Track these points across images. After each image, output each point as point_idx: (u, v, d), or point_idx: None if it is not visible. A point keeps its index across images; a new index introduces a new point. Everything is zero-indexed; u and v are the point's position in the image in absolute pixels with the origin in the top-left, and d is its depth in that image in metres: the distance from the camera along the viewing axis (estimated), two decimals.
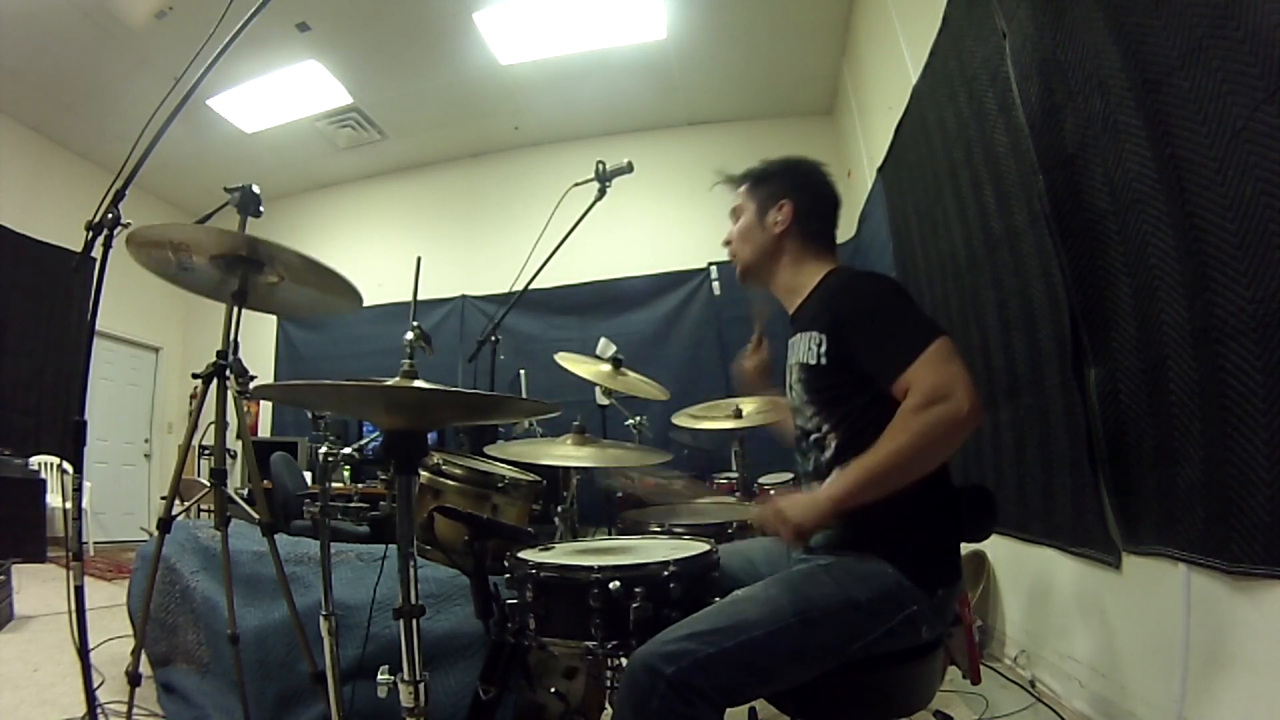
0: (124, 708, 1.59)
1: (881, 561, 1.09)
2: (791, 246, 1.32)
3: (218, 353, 1.58)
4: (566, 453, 1.65)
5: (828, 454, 1.18)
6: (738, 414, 2.42)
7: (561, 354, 2.21)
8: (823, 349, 1.16)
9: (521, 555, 1.17)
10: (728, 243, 1.40)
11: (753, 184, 1.37)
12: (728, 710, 0.97)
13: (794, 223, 1.31)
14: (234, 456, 3.19)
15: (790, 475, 2.85)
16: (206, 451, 3.28)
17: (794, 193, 1.32)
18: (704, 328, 5.43)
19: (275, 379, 6.03)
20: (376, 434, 3.58)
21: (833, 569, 1.10)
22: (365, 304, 1.60)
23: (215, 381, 1.58)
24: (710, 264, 5.21)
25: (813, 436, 1.22)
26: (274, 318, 6.28)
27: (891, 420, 1.02)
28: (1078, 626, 2.05)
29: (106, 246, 1.43)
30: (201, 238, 1.42)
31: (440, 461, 1.85)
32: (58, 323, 5.43)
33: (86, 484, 4.64)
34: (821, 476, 1.19)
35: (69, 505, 3.60)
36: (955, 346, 1.05)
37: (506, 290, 3.38)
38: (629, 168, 2.33)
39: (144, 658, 1.70)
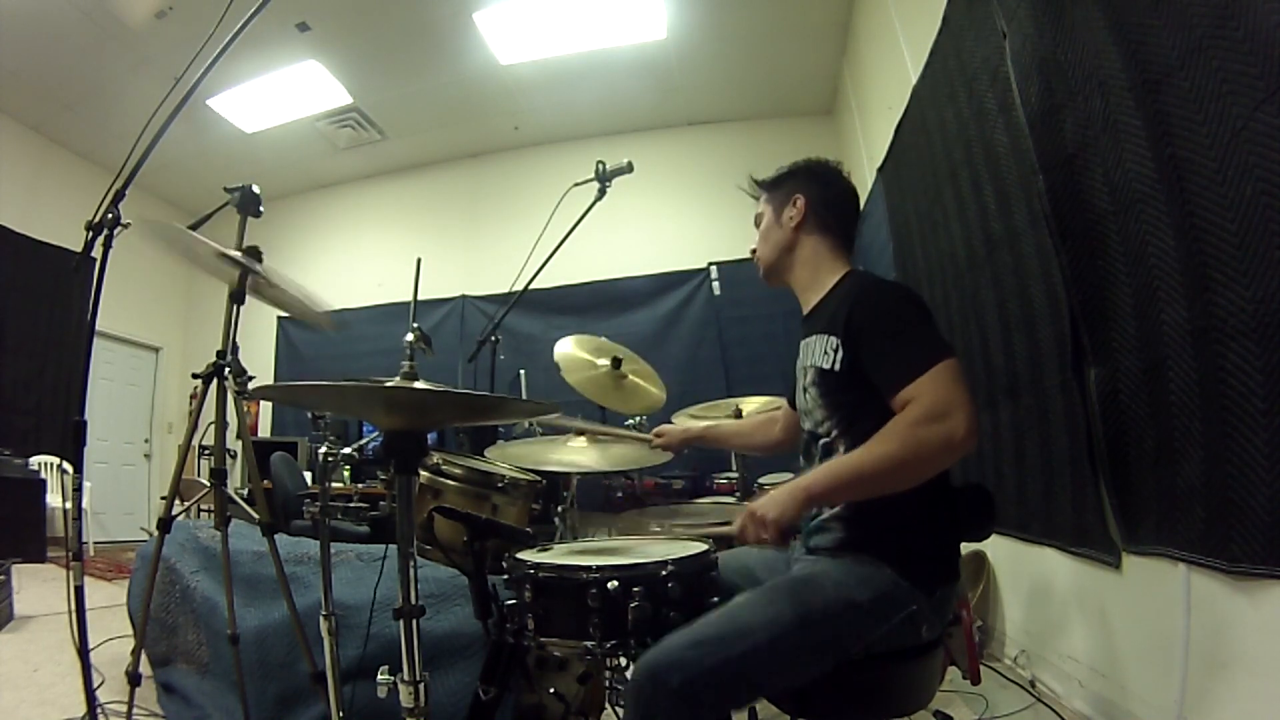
0: (124, 708, 1.59)
1: (880, 562, 1.09)
2: (808, 240, 1.33)
3: (217, 353, 1.59)
4: (567, 454, 1.65)
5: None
6: (737, 414, 2.42)
7: (562, 342, 2.20)
8: (839, 354, 1.15)
9: (520, 555, 1.17)
10: (754, 251, 1.41)
11: (770, 189, 1.40)
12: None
13: (808, 215, 1.32)
14: (234, 456, 3.19)
15: (790, 476, 2.85)
16: (206, 451, 3.28)
17: (806, 187, 1.34)
18: (704, 328, 5.43)
19: (275, 379, 6.03)
20: (376, 434, 3.58)
21: (832, 571, 1.10)
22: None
23: (215, 381, 1.58)
24: (710, 264, 5.21)
25: (822, 441, 1.21)
26: (274, 318, 6.28)
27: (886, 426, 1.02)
28: (1078, 626, 2.05)
29: (106, 246, 1.43)
30: (198, 248, 1.43)
31: (440, 461, 1.85)
32: (58, 323, 5.42)
33: (86, 484, 4.64)
34: None
35: (69, 505, 3.59)
36: (963, 369, 1.05)
37: (506, 290, 3.38)
38: (629, 168, 2.33)
39: (144, 658, 1.70)
